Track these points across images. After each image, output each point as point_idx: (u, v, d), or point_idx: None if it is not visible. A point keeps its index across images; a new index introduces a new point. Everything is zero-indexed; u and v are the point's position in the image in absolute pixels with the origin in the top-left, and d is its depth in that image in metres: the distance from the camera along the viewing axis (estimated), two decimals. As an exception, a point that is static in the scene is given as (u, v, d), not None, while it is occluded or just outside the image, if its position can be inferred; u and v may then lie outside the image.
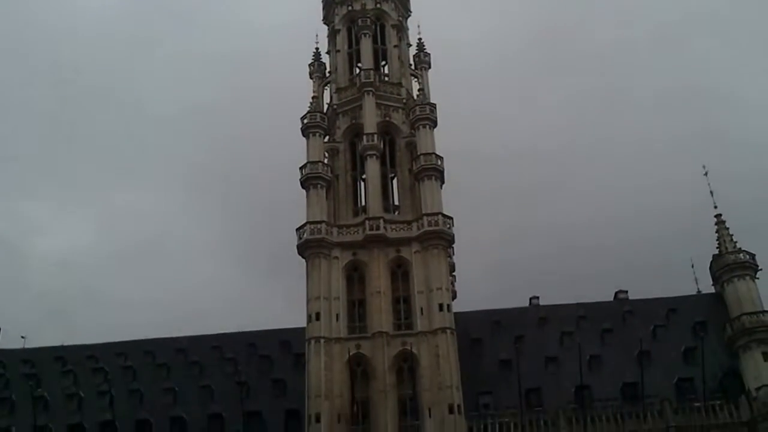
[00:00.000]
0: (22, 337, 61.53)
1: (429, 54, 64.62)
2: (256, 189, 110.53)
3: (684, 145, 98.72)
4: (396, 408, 48.06)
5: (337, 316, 50.67)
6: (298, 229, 53.34)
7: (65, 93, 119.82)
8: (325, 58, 64.41)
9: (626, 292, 60.37)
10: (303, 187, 55.23)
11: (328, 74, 63.55)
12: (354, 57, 62.79)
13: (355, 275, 52.69)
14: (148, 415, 53.51)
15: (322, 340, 49.56)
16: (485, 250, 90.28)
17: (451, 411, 47.01)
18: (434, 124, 57.13)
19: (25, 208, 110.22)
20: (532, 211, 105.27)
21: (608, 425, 48.61)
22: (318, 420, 47.18)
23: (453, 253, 57.80)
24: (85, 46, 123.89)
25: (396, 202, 57.70)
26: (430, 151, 55.45)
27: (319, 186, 54.94)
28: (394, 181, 58.53)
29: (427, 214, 52.91)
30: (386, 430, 47.01)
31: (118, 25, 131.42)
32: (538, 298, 61.28)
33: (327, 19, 66.04)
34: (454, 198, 57.12)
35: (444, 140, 57.14)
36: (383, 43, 63.25)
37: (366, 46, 61.55)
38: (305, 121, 57.87)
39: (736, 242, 55.84)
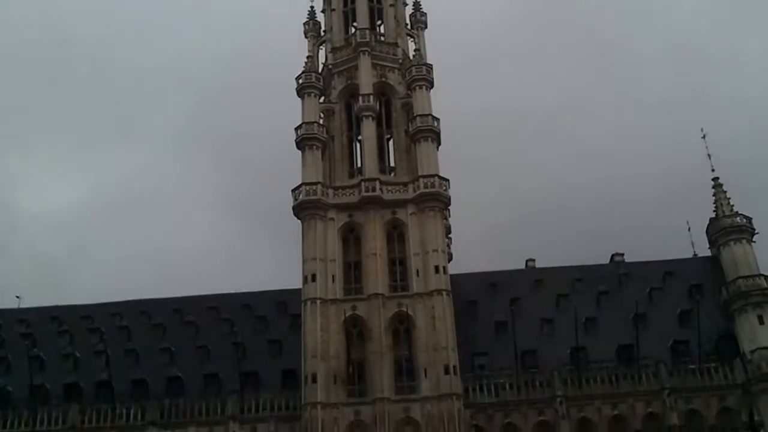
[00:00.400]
0: (17, 296, 61.70)
1: (425, 14, 63.98)
2: (252, 148, 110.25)
3: (682, 107, 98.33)
4: (392, 369, 48.30)
5: (333, 277, 50.75)
6: (293, 190, 53.20)
7: (54, 49, 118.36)
8: (321, 17, 63.58)
9: (622, 254, 60.24)
10: (298, 147, 54.88)
11: (323, 33, 62.76)
12: (349, 16, 61.97)
13: (351, 237, 52.63)
14: (144, 374, 53.44)
15: (318, 302, 49.69)
16: (481, 212, 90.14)
17: (446, 372, 47.26)
18: (431, 85, 56.61)
19: (14, 167, 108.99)
20: (529, 173, 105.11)
21: (603, 386, 48.97)
22: (314, 380, 47.44)
23: (449, 215, 57.65)
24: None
25: (392, 164, 57.24)
26: (427, 113, 55.00)
27: (314, 147, 54.55)
28: (390, 143, 58.09)
29: (424, 176, 52.66)
30: (382, 390, 47.25)
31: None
32: (534, 260, 61.24)
33: (322, -23, 65.04)
34: (450, 159, 56.98)
35: (440, 101, 56.77)
36: (379, 2, 62.33)
37: (361, 4, 60.88)
38: (300, 81, 57.30)
39: (733, 206, 55.56)
